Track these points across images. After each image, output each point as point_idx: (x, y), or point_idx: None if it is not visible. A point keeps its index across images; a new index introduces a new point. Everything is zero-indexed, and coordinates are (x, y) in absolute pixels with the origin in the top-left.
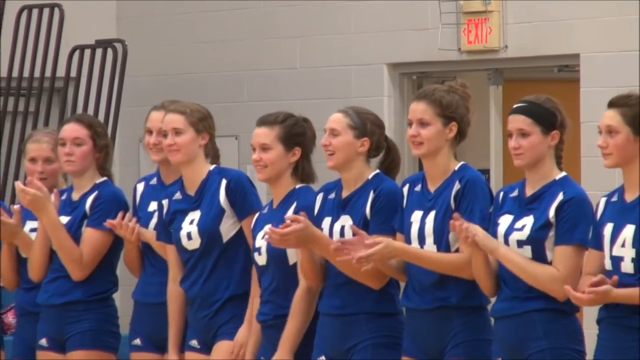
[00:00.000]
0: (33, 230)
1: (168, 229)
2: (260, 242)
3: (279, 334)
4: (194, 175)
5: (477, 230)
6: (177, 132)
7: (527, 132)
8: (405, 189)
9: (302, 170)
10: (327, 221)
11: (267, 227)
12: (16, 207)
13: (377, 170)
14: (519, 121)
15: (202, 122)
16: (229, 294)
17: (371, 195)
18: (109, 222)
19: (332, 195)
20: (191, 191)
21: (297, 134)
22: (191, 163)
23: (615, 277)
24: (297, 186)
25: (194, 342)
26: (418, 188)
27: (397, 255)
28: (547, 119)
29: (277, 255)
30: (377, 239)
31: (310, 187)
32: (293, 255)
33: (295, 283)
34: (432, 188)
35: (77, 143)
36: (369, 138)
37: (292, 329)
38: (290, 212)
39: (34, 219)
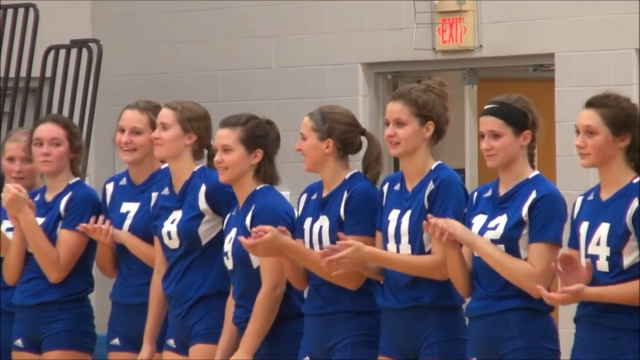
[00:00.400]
0: (9, 229)
1: (154, 222)
2: (228, 246)
3: None
4: (179, 173)
5: (454, 225)
6: (164, 126)
7: (498, 134)
8: (385, 188)
9: (264, 172)
10: (308, 222)
11: (233, 233)
12: None
13: (355, 171)
14: (490, 122)
15: (192, 122)
16: (201, 293)
17: (345, 195)
18: (82, 227)
19: (314, 196)
20: (177, 189)
21: (259, 135)
22: (175, 160)
23: (588, 261)
24: (258, 187)
25: (171, 342)
26: (397, 187)
27: (368, 259)
28: (518, 119)
29: (241, 259)
30: (348, 242)
31: (272, 187)
32: (256, 259)
33: (259, 286)
34: (409, 187)
35: (55, 143)
36: (333, 138)
37: (252, 331)
38: (249, 216)
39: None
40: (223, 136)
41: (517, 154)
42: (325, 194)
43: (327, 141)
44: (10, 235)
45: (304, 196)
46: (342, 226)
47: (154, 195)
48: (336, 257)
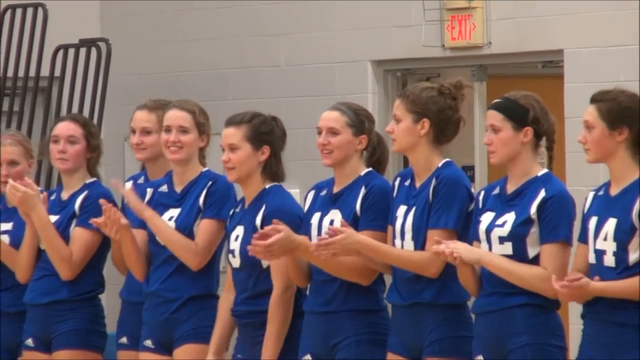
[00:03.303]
0: (4, 232)
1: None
2: (234, 244)
3: (255, 331)
4: (185, 174)
5: (458, 248)
6: (183, 130)
7: (498, 128)
8: (397, 183)
9: (271, 169)
10: (316, 216)
11: (239, 231)
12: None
13: (370, 168)
14: (491, 117)
15: (205, 125)
16: (188, 295)
17: (362, 191)
18: (94, 221)
19: (324, 192)
20: (178, 188)
21: (265, 132)
22: (188, 162)
23: (597, 278)
24: (267, 186)
25: (149, 342)
26: (407, 183)
27: (359, 248)
28: (518, 114)
29: (251, 258)
30: (339, 228)
31: (281, 186)
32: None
33: (269, 284)
34: (417, 184)
35: (71, 141)
36: (367, 135)
37: (271, 334)
38: (259, 216)
39: (7, 221)
40: (229, 135)
41: (519, 151)
42: (337, 189)
43: (361, 137)
44: (4, 238)
45: (312, 193)
46: (357, 221)
47: (149, 191)
48: (324, 243)
